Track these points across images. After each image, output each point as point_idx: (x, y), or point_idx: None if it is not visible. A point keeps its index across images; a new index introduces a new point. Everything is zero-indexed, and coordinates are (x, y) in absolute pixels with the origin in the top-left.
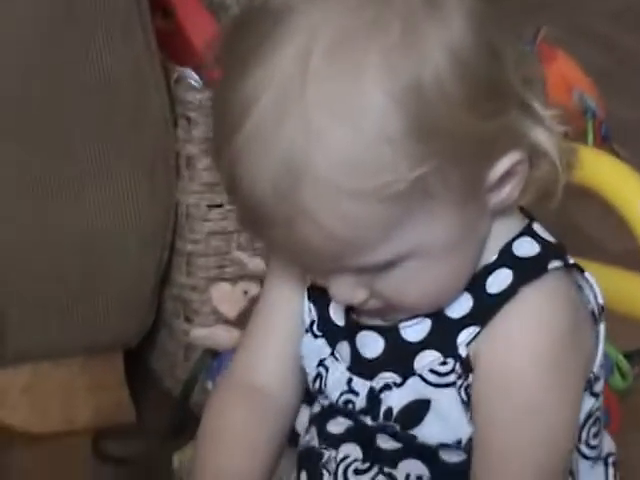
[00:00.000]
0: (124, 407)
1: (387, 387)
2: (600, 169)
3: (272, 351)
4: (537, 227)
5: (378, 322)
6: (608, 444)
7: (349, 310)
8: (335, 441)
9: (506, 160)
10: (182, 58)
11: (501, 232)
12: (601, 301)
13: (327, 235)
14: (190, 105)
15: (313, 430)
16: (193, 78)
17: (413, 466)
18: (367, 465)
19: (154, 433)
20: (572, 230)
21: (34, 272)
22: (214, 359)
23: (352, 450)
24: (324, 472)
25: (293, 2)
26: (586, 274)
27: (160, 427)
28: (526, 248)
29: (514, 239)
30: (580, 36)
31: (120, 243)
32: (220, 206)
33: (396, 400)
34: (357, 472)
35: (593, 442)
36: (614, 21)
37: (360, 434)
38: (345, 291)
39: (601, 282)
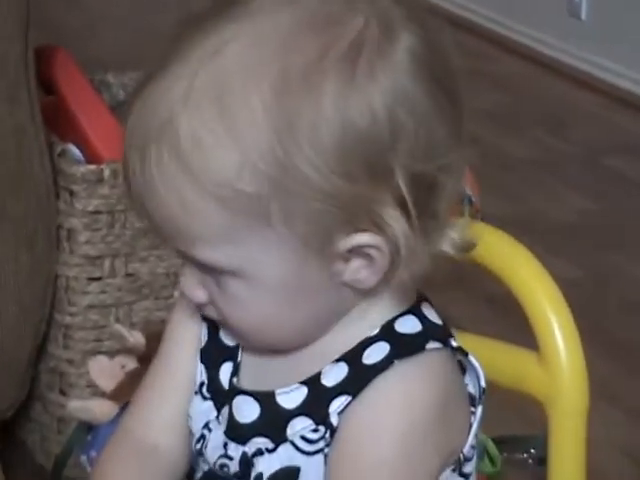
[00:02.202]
0: None
1: (259, 452)
2: (500, 248)
3: (166, 410)
4: (425, 307)
5: (256, 387)
6: None
7: (234, 374)
8: None
9: (361, 237)
10: (65, 134)
11: (385, 308)
12: (483, 384)
13: (165, 215)
14: (73, 178)
15: None
16: (76, 153)
17: None
18: None
19: None
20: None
21: None
22: (89, 433)
23: None
24: None
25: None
26: (470, 357)
27: None
28: (408, 325)
29: (398, 316)
30: None
31: None
32: (100, 279)
33: (267, 466)
34: None
35: None
36: (486, 119)
37: None
38: (189, 285)
39: (482, 354)
